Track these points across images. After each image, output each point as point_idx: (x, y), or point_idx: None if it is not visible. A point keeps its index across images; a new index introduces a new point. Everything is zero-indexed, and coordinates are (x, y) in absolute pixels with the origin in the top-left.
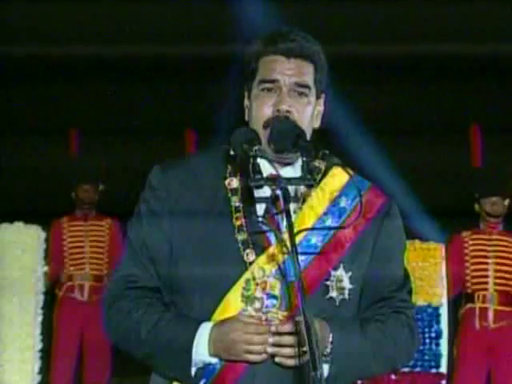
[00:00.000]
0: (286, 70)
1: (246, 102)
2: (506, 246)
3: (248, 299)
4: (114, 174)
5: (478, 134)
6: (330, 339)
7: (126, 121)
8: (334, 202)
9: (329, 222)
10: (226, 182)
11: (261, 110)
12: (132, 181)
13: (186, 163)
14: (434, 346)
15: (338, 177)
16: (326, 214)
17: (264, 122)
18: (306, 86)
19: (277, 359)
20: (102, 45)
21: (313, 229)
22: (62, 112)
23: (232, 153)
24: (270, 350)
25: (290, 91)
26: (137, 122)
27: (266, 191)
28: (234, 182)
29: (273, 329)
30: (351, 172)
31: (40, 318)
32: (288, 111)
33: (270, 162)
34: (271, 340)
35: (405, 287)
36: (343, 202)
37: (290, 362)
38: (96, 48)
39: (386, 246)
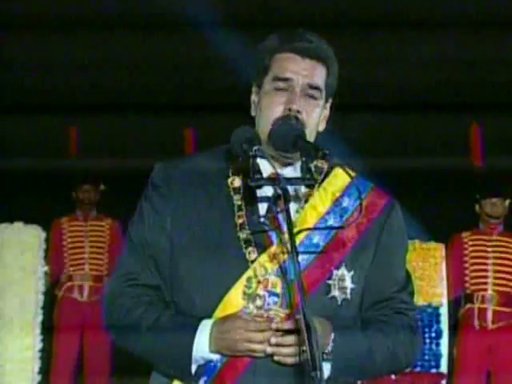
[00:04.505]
0: (301, 70)
1: (254, 97)
2: (505, 247)
3: (249, 297)
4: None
5: (479, 134)
6: (331, 338)
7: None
8: (337, 202)
9: (331, 222)
10: (229, 180)
11: (272, 107)
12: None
13: (188, 161)
14: (434, 346)
15: (341, 177)
16: (328, 213)
17: (274, 120)
18: (318, 88)
19: (276, 358)
20: None
21: (312, 228)
22: None
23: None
24: (269, 349)
25: (301, 92)
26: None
27: (268, 191)
28: (236, 181)
29: (274, 326)
30: (352, 173)
31: (40, 318)
32: (299, 111)
33: (270, 161)
34: (273, 339)
35: (406, 289)
36: (345, 202)
37: (290, 361)
38: None
39: (388, 246)
